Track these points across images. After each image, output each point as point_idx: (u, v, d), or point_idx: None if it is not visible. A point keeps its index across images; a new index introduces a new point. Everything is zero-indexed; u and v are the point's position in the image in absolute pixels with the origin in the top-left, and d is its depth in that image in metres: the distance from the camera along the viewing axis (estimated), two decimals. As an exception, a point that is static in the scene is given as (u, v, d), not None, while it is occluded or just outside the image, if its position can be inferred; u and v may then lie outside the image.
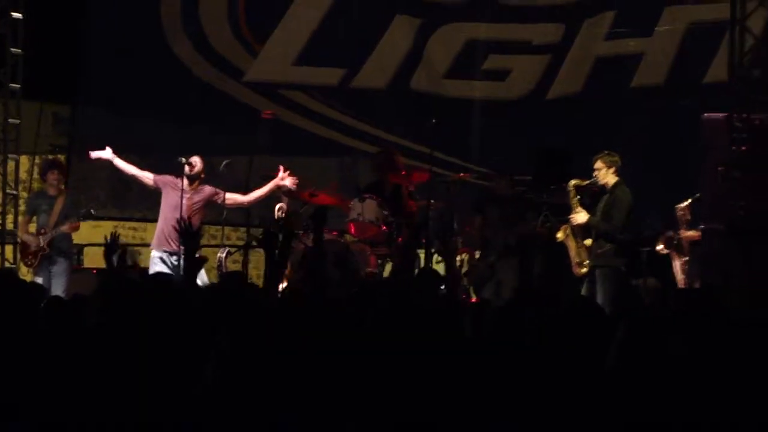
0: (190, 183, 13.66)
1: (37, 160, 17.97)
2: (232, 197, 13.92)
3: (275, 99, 17.83)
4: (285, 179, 13.91)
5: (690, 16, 16.68)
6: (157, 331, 5.88)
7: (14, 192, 17.10)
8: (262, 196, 14.03)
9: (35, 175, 17.48)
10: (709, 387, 5.26)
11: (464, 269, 14.54)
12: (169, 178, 13.82)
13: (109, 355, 5.72)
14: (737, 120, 13.92)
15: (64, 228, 14.21)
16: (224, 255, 14.39)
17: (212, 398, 5.32)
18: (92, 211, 15.31)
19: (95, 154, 14.35)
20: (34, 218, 14.67)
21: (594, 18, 17.17)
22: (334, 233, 14.21)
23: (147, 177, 14.04)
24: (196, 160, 13.77)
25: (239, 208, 14.63)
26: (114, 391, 5.54)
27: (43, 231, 14.16)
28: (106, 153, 14.21)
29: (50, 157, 16.93)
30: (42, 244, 14.12)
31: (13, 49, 16.97)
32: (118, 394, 5.53)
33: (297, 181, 13.99)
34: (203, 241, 13.85)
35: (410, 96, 17.74)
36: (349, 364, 5.52)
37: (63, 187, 14.79)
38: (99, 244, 9.40)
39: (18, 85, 17.23)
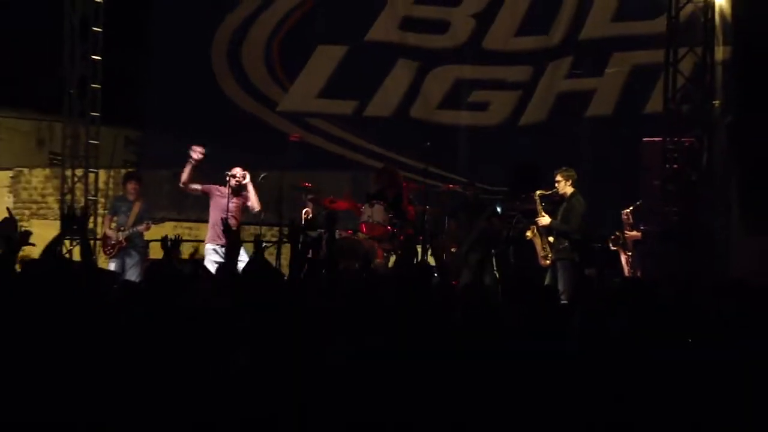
0: (234, 190, 13.57)
1: (112, 173, 18.07)
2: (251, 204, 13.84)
3: (301, 125, 17.78)
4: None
5: (632, 61, 16.62)
6: (193, 314, 5.69)
7: (94, 198, 17.24)
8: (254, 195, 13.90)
9: (110, 185, 17.55)
10: (644, 357, 5.20)
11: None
12: (214, 187, 13.78)
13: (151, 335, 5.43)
14: (670, 143, 13.98)
15: (140, 228, 14.26)
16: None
17: (246, 378, 5.01)
18: (164, 217, 15.34)
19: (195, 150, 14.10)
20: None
21: (556, 62, 17.08)
22: (349, 232, 14.21)
23: (195, 187, 13.92)
24: (237, 171, 13.75)
25: (275, 212, 14.74)
26: (157, 366, 5.12)
27: (122, 228, 14.23)
28: (197, 153, 13.94)
29: (130, 170, 16.95)
30: (121, 239, 14.22)
31: (93, 85, 17.02)
32: (160, 370, 5.10)
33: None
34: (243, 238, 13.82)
35: (410, 123, 17.67)
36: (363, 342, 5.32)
37: (139, 194, 14.77)
38: (160, 240, 9.37)
39: (98, 114, 17.27)
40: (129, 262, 14.29)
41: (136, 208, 14.47)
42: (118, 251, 14.25)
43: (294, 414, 4.79)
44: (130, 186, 14.82)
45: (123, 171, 17.18)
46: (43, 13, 18.35)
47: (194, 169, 13.80)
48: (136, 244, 14.38)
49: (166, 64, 18.15)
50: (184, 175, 13.84)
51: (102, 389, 4.84)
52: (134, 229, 14.28)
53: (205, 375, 4.94)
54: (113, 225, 14.46)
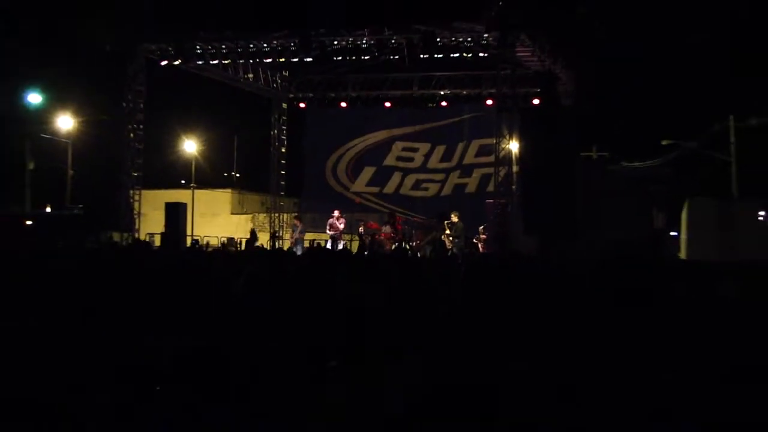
0: (337, 219, 13.60)
1: (289, 215, 18.00)
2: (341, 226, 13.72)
3: (359, 196, 17.44)
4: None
5: (482, 171, 16.52)
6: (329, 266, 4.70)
7: (281, 225, 17.25)
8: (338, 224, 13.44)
9: (289, 220, 17.54)
10: (492, 284, 3.99)
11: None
12: (331, 220, 13.75)
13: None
14: (496, 203, 13.98)
15: (302, 236, 14.16)
16: (344, 243, 14.44)
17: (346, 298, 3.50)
18: (307, 231, 15.08)
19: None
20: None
21: (453, 172, 17.15)
22: (377, 237, 14.19)
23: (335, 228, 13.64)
24: (335, 213, 13.78)
25: (351, 231, 14.45)
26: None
27: (294, 235, 14.11)
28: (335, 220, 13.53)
29: (295, 214, 16.90)
30: (295, 239, 14.04)
31: (281, 182, 17.01)
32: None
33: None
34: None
35: (400, 196, 17.43)
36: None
37: (300, 222, 14.61)
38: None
39: (283, 193, 17.42)
40: (298, 248, 13.73)
41: (299, 228, 14.32)
42: (295, 244, 13.94)
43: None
44: (296, 221, 14.73)
45: (294, 214, 17.14)
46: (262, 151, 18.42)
47: (336, 220, 13.53)
48: (300, 241, 14.08)
49: (308, 173, 17.87)
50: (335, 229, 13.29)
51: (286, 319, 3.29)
52: (300, 236, 14.17)
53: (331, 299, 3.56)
54: (292, 234, 14.12)
